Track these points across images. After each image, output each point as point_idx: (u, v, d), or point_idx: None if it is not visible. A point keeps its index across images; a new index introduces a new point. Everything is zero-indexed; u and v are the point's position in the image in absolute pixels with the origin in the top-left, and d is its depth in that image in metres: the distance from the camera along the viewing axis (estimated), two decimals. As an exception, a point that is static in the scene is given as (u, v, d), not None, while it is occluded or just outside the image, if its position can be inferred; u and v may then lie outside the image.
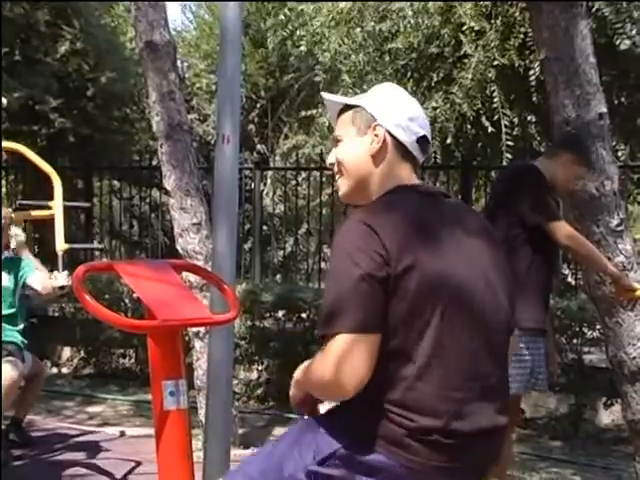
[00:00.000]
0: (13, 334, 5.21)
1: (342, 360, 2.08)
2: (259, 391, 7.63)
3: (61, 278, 5.17)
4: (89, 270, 2.65)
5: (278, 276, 10.56)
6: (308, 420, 2.34)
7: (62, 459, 5.67)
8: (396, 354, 2.12)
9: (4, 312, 5.17)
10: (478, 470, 2.24)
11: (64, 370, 8.68)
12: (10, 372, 4.83)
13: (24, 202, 6.83)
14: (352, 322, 2.08)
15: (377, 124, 2.30)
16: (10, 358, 4.94)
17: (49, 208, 5.68)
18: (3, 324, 5.15)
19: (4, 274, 5.24)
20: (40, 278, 5.26)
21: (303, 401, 2.39)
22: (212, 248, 4.90)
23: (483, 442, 2.19)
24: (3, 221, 5.24)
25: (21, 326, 5.31)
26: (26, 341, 5.30)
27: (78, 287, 2.52)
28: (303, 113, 10.60)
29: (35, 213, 6.08)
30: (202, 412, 5.37)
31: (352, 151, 2.34)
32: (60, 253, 5.26)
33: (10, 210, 5.86)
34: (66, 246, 5.30)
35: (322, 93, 2.50)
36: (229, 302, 2.90)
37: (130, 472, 5.33)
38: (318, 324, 2.17)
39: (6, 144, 5.76)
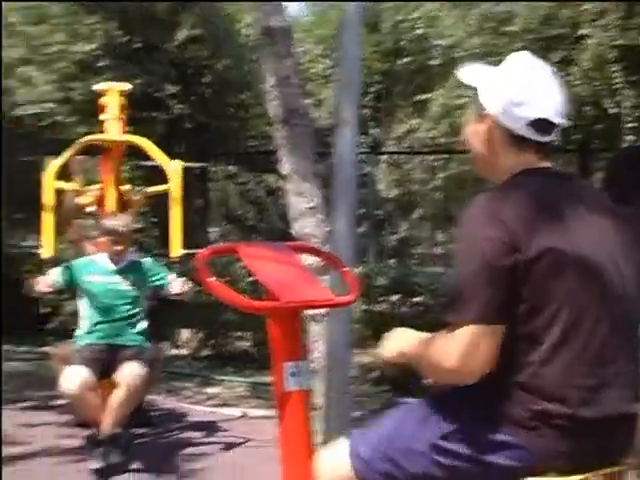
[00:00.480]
0: (136, 337, 5.30)
1: (467, 350, 2.08)
2: (374, 375, 7.64)
3: (177, 286, 5.25)
4: (213, 252, 2.69)
5: (392, 260, 10.54)
6: (432, 395, 2.34)
7: (182, 438, 5.82)
8: (524, 339, 2.09)
9: (126, 314, 5.27)
10: (605, 459, 2.19)
11: (183, 351, 8.89)
12: (135, 374, 4.94)
13: (144, 163, 6.88)
14: (480, 313, 2.07)
15: (485, 113, 2.29)
16: (136, 361, 5.04)
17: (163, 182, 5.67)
18: (126, 326, 5.27)
19: (120, 278, 5.32)
20: (178, 283, 5.29)
21: (394, 365, 2.41)
22: (329, 231, 4.91)
23: (610, 430, 2.14)
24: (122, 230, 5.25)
25: (142, 326, 5.38)
26: (147, 344, 5.35)
27: (202, 269, 2.56)
28: (417, 97, 10.52)
29: (152, 189, 6.12)
30: (318, 395, 5.41)
31: (471, 134, 2.35)
32: (175, 259, 5.25)
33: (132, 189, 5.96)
34: (181, 252, 5.27)
35: (458, 71, 2.44)
36: (349, 284, 2.90)
37: (247, 452, 5.42)
38: (446, 308, 2.15)
39: (126, 137, 5.85)
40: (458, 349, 2.08)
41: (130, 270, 5.34)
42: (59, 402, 6.60)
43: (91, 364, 4.97)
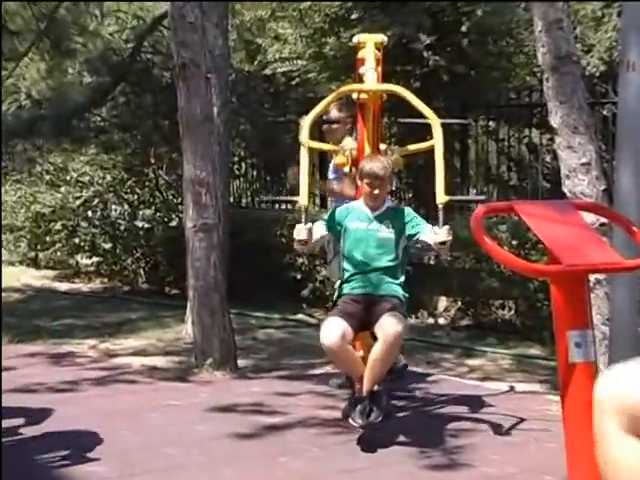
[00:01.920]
0: (394, 287, 5.33)
1: None
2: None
3: (442, 234, 5.10)
4: (488, 211, 2.69)
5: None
6: None
7: (444, 412, 5.87)
8: None
9: (385, 264, 5.31)
10: None
11: (441, 321, 8.94)
12: (395, 327, 4.97)
13: (403, 120, 6.90)
14: None
15: None
16: (395, 313, 5.09)
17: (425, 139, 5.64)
18: (384, 276, 5.33)
19: (379, 225, 5.36)
20: (432, 235, 5.22)
21: None
22: (604, 190, 4.75)
23: None
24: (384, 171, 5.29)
25: (401, 279, 5.40)
26: (407, 295, 5.40)
27: (477, 229, 2.56)
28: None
29: (414, 147, 6.12)
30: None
31: None
32: (440, 206, 5.18)
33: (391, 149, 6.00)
34: (447, 198, 5.21)
35: None
36: (639, 246, 2.80)
37: (514, 428, 5.39)
38: None
39: (385, 86, 5.89)
40: None
41: (389, 217, 5.38)
42: (316, 372, 6.87)
43: (349, 316, 5.08)
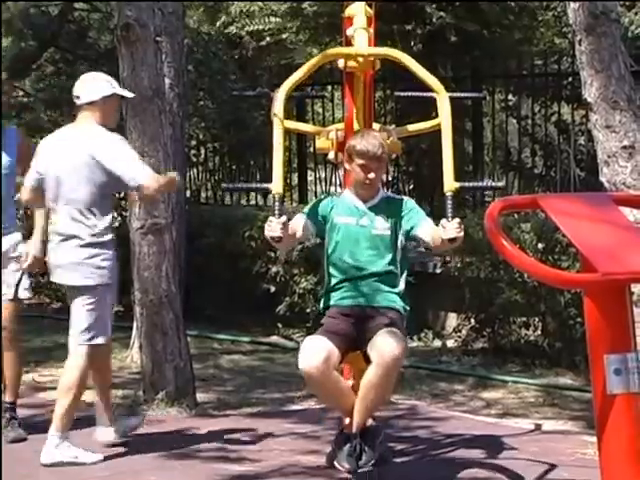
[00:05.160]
0: (392, 297, 5.29)
1: None
2: None
3: (451, 228, 4.99)
4: (507, 207, 2.71)
5: None
6: None
7: (454, 457, 5.88)
8: None
9: (380, 269, 5.27)
10: None
11: (450, 343, 8.96)
12: (393, 346, 4.96)
13: (402, 93, 6.89)
14: None
15: None
16: (393, 329, 5.08)
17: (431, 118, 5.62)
18: (379, 284, 5.32)
19: (372, 219, 5.35)
20: (432, 229, 5.18)
21: None
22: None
23: None
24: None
25: (401, 287, 5.37)
26: (408, 307, 5.38)
27: (493, 229, 2.58)
28: None
29: (413, 127, 6.13)
30: None
31: None
32: (449, 194, 5.15)
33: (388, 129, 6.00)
34: (457, 185, 5.20)
35: None
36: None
37: (542, 477, 5.40)
38: None
39: (378, 50, 5.89)
40: None
41: (384, 210, 5.33)
42: (295, 407, 6.89)
43: (335, 335, 5.07)
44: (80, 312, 5.75)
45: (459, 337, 8.93)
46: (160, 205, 6.95)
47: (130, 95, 6.19)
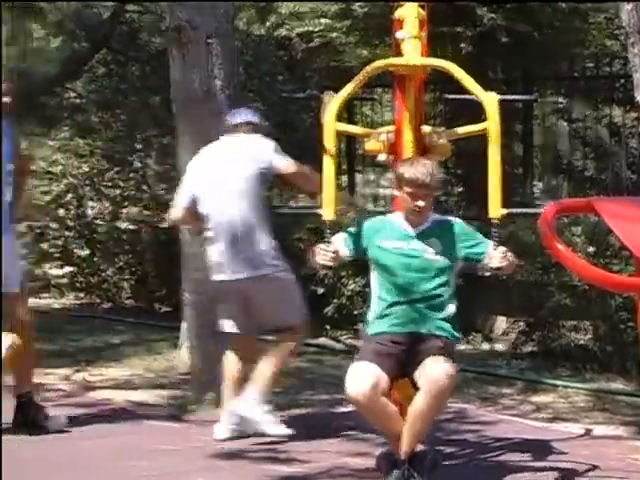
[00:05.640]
0: (442, 324, 5.25)
1: None
2: None
3: (496, 257, 5.06)
4: (561, 210, 2.71)
5: None
6: None
7: (503, 461, 5.85)
8: None
9: (432, 293, 5.21)
10: None
11: (499, 347, 8.93)
12: (444, 373, 4.92)
13: (451, 96, 6.85)
14: None
15: None
16: (443, 357, 5.02)
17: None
18: (429, 310, 5.23)
19: (421, 244, 5.24)
20: (497, 253, 5.08)
21: None
22: None
23: None
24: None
25: (451, 310, 5.32)
26: (457, 335, 5.34)
27: (548, 232, 2.57)
28: None
29: (463, 130, 6.08)
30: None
31: None
32: (495, 222, 5.10)
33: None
34: (503, 212, 5.13)
35: None
36: None
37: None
38: None
39: (429, 61, 5.86)
40: None
41: (435, 234, 5.31)
42: (344, 409, 6.88)
43: (385, 359, 5.04)
44: None
45: (508, 341, 8.90)
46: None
47: None
